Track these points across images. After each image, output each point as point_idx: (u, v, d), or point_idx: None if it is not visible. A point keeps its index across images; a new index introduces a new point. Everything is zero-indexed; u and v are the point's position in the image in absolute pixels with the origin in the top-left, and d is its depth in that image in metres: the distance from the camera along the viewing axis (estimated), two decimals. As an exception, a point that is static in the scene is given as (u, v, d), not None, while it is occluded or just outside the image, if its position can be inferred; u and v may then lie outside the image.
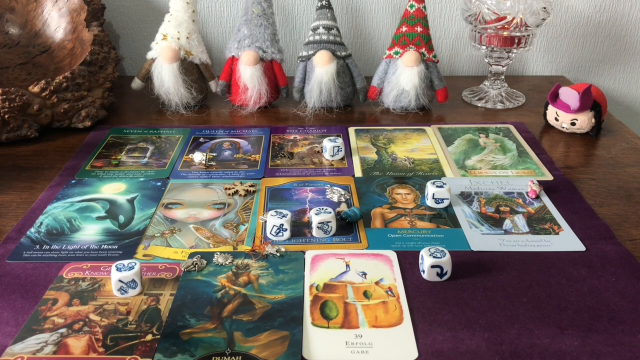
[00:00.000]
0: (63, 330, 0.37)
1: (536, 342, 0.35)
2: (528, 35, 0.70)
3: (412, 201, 0.52)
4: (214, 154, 0.60)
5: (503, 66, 0.75)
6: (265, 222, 0.48)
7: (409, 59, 0.67)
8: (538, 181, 0.54)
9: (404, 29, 0.69)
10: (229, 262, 0.43)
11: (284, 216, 0.46)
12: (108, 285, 0.41)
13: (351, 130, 0.66)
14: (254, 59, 0.67)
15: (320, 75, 0.67)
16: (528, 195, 0.52)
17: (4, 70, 0.71)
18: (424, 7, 0.68)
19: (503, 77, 0.77)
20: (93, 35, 0.68)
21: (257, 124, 0.68)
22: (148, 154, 0.61)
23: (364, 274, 0.42)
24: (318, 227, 0.46)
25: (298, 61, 0.70)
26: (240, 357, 0.35)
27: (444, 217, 0.49)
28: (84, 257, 0.44)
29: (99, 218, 0.49)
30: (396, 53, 0.69)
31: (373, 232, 0.47)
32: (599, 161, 0.60)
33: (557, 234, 0.47)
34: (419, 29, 0.68)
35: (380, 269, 0.42)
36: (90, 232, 0.47)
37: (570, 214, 0.50)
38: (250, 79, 0.68)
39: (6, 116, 0.60)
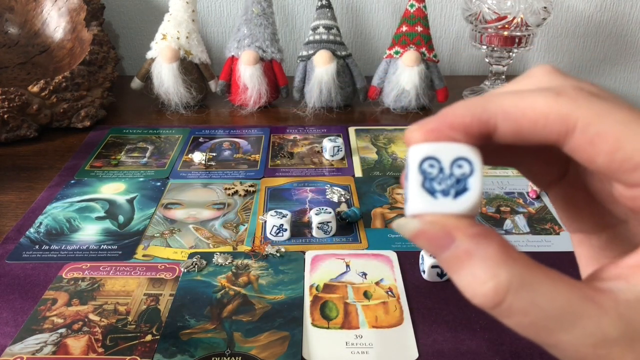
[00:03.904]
0: (62, 330, 0.37)
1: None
2: (529, 35, 0.70)
3: (412, 201, 0.52)
4: (214, 154, 0.60)
5: (504, 66, 0.75)
6: (265, 222, 0.48)
7: (409, 59, 0.67)
8: (539, 181, 0.54)
9: (404, 28, 0.68)
10: (229, 263, 0.43)
11: (283, 216, 0.46)
12: (107, 285, 0.41)
13: (351, 130, 0.66)
14: (254, 58, 0.67)
15: (320, 75, 0.67)
16: (528, 196, 0.52)
17: (4, 70, 0.71)
18: (425, 7, 0.68)
19: (504, 76, 0.77)
20: (92, 34, 0.68)
21: (256, 123, 0.68)
22: (147, 154, 0.60)
23: (364, 274, 0.42)
24: (318, 227, 0.46)
25: (298, 61, 0.70)
26: (240, 358, 0.34)
27: (445, 217, 0.49)
28: (83, 257, 0.44)
29: (99, 218, 0.49)
30: (396, 53, 0.69)
31: (373, 232, 0.47)
32: (600, 161, 0.60)
33: (558, 234, 0.47)
34: (419, 29, 0.68)
35: (380, 269, 0.42)
36: (89, 232, 0.47)
37: (571, 214, 0.49)
38: (250, 78, 0.67)
39: (5, 116, 0.60)
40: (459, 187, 0.16)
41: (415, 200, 0.17)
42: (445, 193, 0.16)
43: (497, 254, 0.16)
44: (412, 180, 0.17)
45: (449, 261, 0.16)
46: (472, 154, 0.17)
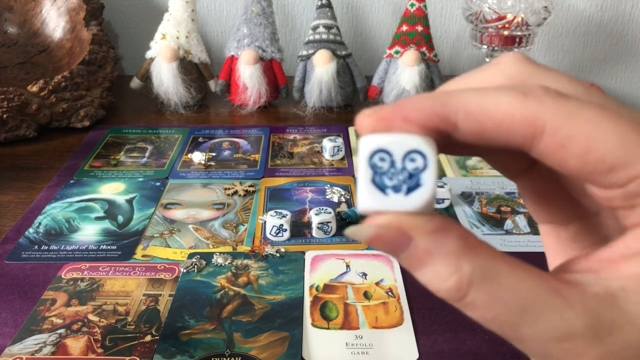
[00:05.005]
0: (62, 330, 0.37)
1: (538, 343, 0.35)
2: (529, 35, 0.70)
3: (412, 201, 0.51)
4: (214, 154, 0.60)
5: (504, 65, 0.75)
6: (265, 222, 0.47)
7: (409, 59, 0.67)
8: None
9: (404, 28, 0.68)
10: (229, 263, 0.43)
11: (283, 216, 0.46)
12: (107, 285, 0.41)
13: (351, 130, 0.66)
14: (254, 58, 0.67)
15: (320, 74, 0.67)
16: (529, 195, 0.52)
17: (3, 69, 0.71)
18: (425, 6, 0.68)
19: (504, 76, 0.76)
20: (92, 34, 0.68)
21: (256, 123, 0.68)
22: (147, 154, 0.60)
23: (364, 274, 0.42)
24: (318, 227, 0.46)
25: (298, 60, 0.70)
26: (239, 358, 0.34)
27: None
28: (82, 257, 0.44)
29: (98, 218, 0.49)
30: (397, 52, 0.69)
31: (373, 232, 0.47)
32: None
33: (559, 234, 0.47)
34: (419, 28, 0.68)
35: (380, 269, 0.42)
36: (89, 233, 0.47)
37: (571, 214, 0.49)
38: (249, 78, 0.67)
39: (5, 116, 0.60)
40: (412, 183, 0.15)
41: (365, 196, 0.16)
42: (396, 189, 0.15)
43: (458, 248, 0.15)
44: (362, 174, 0.15)
45: (409, 261, 0.15)
46: (426, 147, 0.15)
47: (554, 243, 0.20)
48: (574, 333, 0.15)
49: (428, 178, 0.15)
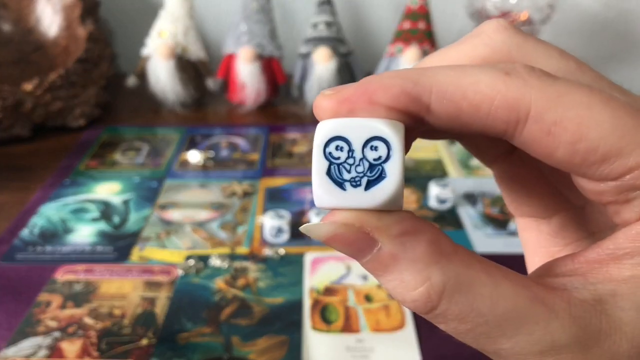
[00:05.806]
0: (57, 333, 0.36)
1: (543, 347, 0.34)
2: (533, 32, 0.69)
3: (414, 202, 0.51)
4: (211, 154, 0.59)
5: (505, 63, 0.74)
6: (264, 223, 0.47)
7: (411, 56, 0.66)
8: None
9: (406, 25, 0.67)
10: (227, 265, 0.42)
11: (282, 217, 0.45)
12: (103, 287, 0.40)
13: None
14: (253, 55, 0.66)
15: (320, 72, 0.66)
16: (532, 195, 0.52)
17: (-2, 67, 0.70)
18: (427, 3, 0.67)
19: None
20: (88, 32, 0.67)
21: (255, 122, 0.67)
22: (143, 154, 0.59)
23: (365, 277, 0.41)
24: (318, 228, 0.45)
25: (298, 58, 0.69)
26: (238, 363, 0.34)
27: (448, 218, 0.48)
28: (78, 259, 0.43)
29: (93, 219, 0.48)
30: (398, 50, 0.68)
31: (374, 233, 0.46)
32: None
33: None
34: (421, 25, 0.67)
35: (381, 271, 0.41)
36: (84, 234, 0.46)
37: (575, 214, 0.49)
38: (248, 76, 0.66)
39: (-1, 114, 0.59)
40: (373, 175, 0.13)
41: (319, 192, 0.14)
42: (354, 183, 0.13)
43: (428, 254, 0.13)
44: (316, 166, 0.14)
45: (372, 266, 0.14)
46: (390, 133, 0.13)
47: (533, 238, 0.19)
48: (559, 345, 0.13)
49: (392, 169, 0.13)
